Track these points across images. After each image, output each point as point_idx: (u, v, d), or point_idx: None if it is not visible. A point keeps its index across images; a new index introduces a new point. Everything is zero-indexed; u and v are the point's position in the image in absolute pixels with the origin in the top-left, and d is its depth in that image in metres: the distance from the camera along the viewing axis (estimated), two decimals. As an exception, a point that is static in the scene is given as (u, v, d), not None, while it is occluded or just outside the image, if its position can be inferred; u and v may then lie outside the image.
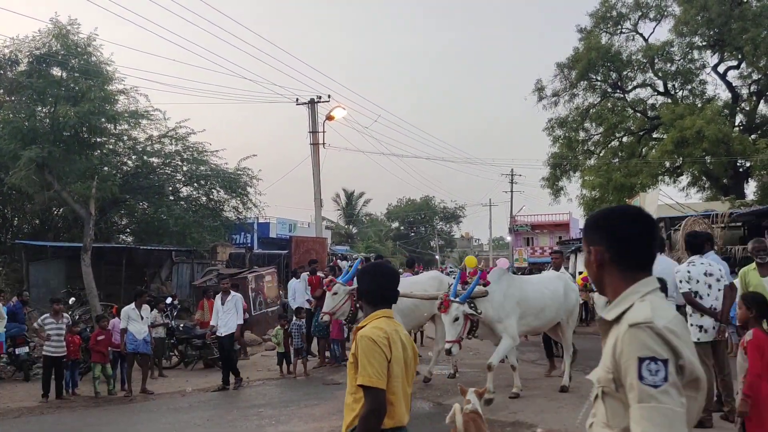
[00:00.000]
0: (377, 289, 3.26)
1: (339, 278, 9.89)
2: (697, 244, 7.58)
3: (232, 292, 11.99)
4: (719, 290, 7.22)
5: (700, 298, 7.22)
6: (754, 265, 7.33)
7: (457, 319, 8.16)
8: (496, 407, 8.09)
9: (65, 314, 11.86)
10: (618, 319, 1.97)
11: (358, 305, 9.16)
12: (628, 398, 1.84)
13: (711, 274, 7.23)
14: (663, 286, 6.21)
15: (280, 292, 19.62)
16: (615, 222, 2.10)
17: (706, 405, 7.22)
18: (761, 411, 4.90)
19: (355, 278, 10.83)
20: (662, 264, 8.45)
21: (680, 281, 7.24)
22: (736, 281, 7.48)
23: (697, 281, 7.19)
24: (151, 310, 12.62)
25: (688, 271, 7.25)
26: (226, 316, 11.65)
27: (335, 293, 9.38)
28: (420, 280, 11.32)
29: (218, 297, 12.06)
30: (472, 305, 8.32)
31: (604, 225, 2.11)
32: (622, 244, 2.06)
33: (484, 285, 8.61)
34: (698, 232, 9.01)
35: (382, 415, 2.90)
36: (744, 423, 5.01)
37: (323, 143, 23.34)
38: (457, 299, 8.27)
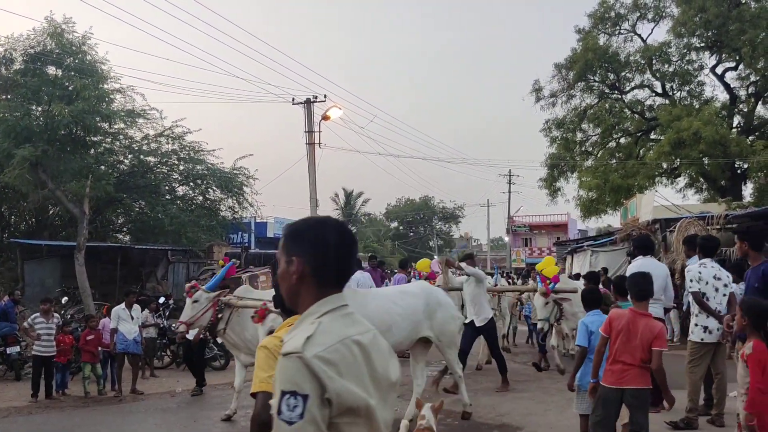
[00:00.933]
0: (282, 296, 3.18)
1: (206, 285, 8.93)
2: (710, 248, 7.58)
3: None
4: (724, 295, 7.24)
5: (707, 299, 7.22)
6: None
7: (197, 301, 8.30)
8: (483, 409, 8.07)
9: (55, 314, 11.82)
10: None
11: (219, 315, 8.55)
12: None
13: (719, 279, 7.25)
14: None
15: (275, 292, 19.55)
16: (321, 233, 2.03)
17: (693, 406, 7.24)
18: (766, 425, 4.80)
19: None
20: (651, 266, 8.42)
21: (690, 280, 7.26)
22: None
23: (707, 283, 7.20)
24: (143, 309, 12.58)
25: (699, 272, 7.27)
26: None
27: (196, 301, 8.51)
28: None
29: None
30: None
31: (310, 235, 2.03)
32: (326, 257, 2.00)
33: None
34: (712, 236, 9.00)
35: (266, 421, 2.80)
36: None
37: (319, 143, 23.31)
38: (204, 287, 8.42)
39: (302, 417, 1.73)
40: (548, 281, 10.58)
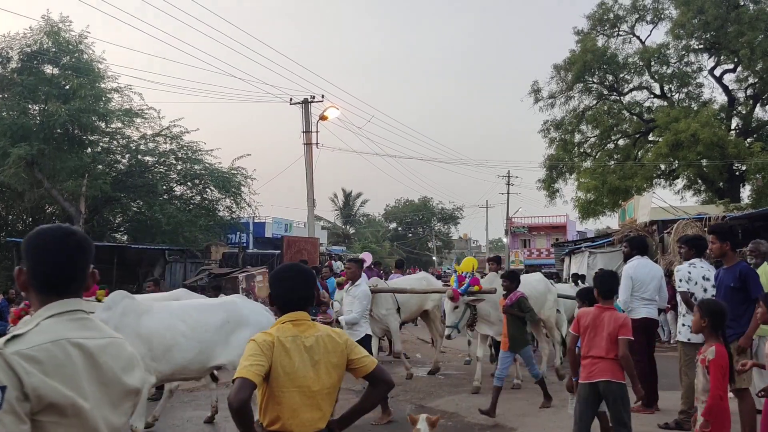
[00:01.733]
0: (281, 293, 3.15)
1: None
2: (703, 247, 7.53)
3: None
4: (713, 296, 7.18)
5: (695, 300, 7.18)
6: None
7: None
8: (477, 410, 8.02)
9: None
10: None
11: None
12: None
13: (708, 279, 7.21)
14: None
15: (272, 292, 19.51)
16: (34, 243, 2.11)
17: (686, 407, 7.21)
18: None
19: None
20: (647, 267, 8.41)
21: (680, 280, 7.21)
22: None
23: (696, 283, 7.17)
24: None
25: (689, 272, 7.23)
26: None
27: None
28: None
29: None
30: None
31: (26, 246, 2.12)
32: (37, 266, 2.08)
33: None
34: (699, 236, 8.96)
35: (234, 404, 2.74)
36: None
37: (317, 143, 23.31)
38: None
39: (0, 407, 1.80)
40: (464, 282, 9.35)
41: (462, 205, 73.63)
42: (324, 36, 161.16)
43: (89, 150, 21.37)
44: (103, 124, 20.99)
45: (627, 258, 8.69)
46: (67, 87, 19.44)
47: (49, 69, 20.30)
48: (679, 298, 7.38)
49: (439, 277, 16.82)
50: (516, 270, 9.43)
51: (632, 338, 5.49)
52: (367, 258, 10.65)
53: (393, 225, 76.27)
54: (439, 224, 76.93)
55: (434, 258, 67.78)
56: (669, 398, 7.77)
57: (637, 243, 8.88)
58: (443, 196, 77.30)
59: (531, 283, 10.50)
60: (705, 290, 7.19)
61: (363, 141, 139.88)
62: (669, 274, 12.50)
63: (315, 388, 2.98)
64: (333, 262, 23.73)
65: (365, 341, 8.09)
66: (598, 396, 5.48)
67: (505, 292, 8.57)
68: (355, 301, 8.22)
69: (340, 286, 9.84)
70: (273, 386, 2.92)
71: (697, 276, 7.24)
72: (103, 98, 20.45)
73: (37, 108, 19.73)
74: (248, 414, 2.80)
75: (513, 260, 51.75)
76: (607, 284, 5.70)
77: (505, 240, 59.19)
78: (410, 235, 74.41)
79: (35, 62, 19.88)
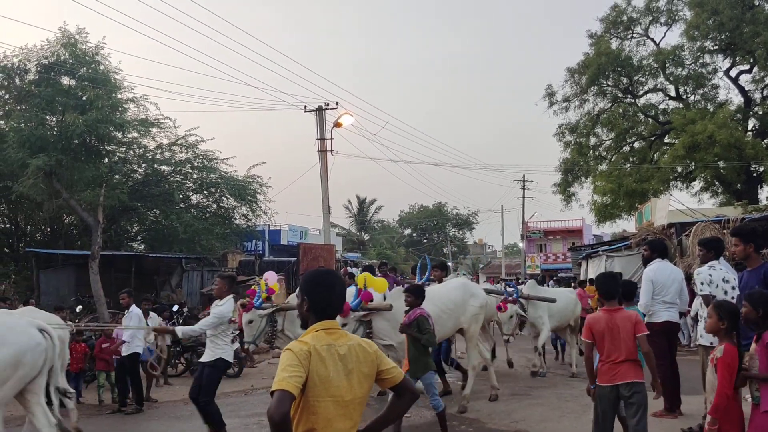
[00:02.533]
0: (320, 298, 3.10)
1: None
2: (721, 249, 7.47)
3: (133, 307, 10.70)
4: (732, 298, 7.11)
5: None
6: None
7: None
8: (498, 416, 7.99)
9: (69, 322, 11.84)
10: None
11: None
12: None
13: (728, 281, 7.14)
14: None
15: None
16: None
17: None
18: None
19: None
20: (667, 270, 8.36)
21: (701, 283, 7.13)
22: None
23: (717, 286, 7.10)
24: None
25: (710, 275, 7.16)
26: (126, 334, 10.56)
27: None
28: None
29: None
30: None
31: None
32: None
33: None
34: (716, 237, 8.88)
35: (275, 418, 2.68)
36: None
37: (331, 150, 23.36)
38: None
39: None
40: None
41: (477, 210, 73.48)
42: (338, 43, 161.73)
43: (106, 160, 21.54)
44: (119, 134, 21.15)
45: (647, 261, 8.62)
46: (84, 98, 19.58)
47: (66, 80, 20.45)
48: (700, 301, 7.29)
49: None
50: (421, 286, 8.26)
51: (648, 332, 5.57)
52: (271, 277, 9.87)
53: (408, 231, 76.23)
54: (454, 230, 76.78)
55: (450, 264, 67.62)
56: (692, 402, 7.70)
57: (658, 246, 8.83)
58: (458, 202, 77.29)
59: (445, 293, 9.36)
60: (725, 292, 7.12)
61: (377, 147, 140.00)
62: (689, 278, 12.42)
63: (348, 397, 2.95)
64: (349, 268, 23.77)
65: (217, 363, 7.75)
66: (617, 398, 5.51)
67: (407, 308, 7.54)
68: (209, 317, 7.87)
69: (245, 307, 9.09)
70: (308, 396, 2.88)
71: (718, 278, 7.17)
72: (120, 108, 20.60)
73: (54, 119, 19.90)
74: (289, 427, 2.75)
75: (529, 265, 51.56)
76: (605, 286, 5.75)
77: (520, 245, 58.90)
78: (425, 240, 74.32)
79: (52, 74, 20.05)
